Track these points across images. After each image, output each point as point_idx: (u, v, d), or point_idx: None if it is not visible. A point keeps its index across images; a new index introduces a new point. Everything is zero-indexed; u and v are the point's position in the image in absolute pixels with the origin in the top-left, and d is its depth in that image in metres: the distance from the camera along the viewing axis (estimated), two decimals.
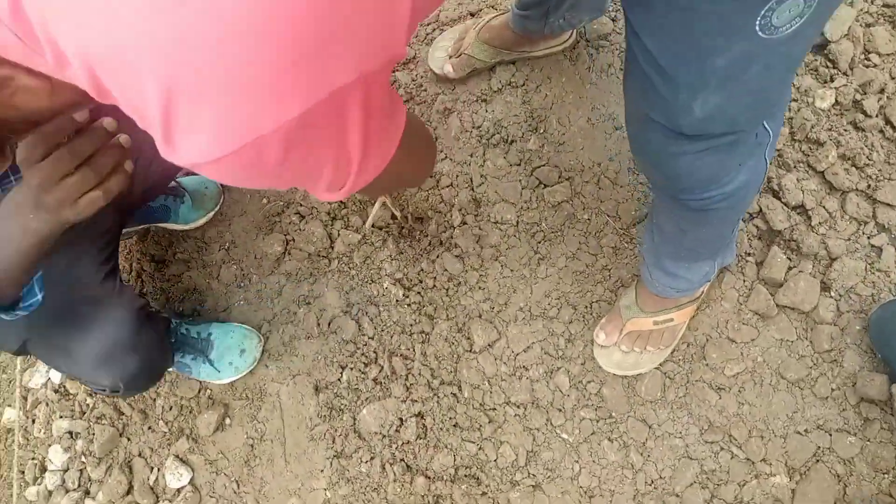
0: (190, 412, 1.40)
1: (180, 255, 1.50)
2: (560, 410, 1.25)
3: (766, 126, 0.72)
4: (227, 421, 1.40)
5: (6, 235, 0.68)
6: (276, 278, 1.46)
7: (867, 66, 1.25)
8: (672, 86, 0.61)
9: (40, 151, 0.63)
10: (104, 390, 1.01)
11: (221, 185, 1.53)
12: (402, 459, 1.29)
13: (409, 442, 1.30)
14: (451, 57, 1.37)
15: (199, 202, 1.48)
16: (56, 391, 1.49)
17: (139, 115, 0.38)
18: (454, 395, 1.30)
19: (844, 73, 1.26)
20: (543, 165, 1.37)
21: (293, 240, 1.44)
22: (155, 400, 1.43)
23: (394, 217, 1.39)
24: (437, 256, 1.37)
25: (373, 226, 1.36)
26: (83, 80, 0.36)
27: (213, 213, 1.51)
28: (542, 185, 1.36)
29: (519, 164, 1.39)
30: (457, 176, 1.40)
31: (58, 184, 0.64)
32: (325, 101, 0.37)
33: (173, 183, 1.44)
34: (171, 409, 1.42)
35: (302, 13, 0.33)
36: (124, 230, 1.29)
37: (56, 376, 1.51)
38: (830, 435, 1.14)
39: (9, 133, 0.49)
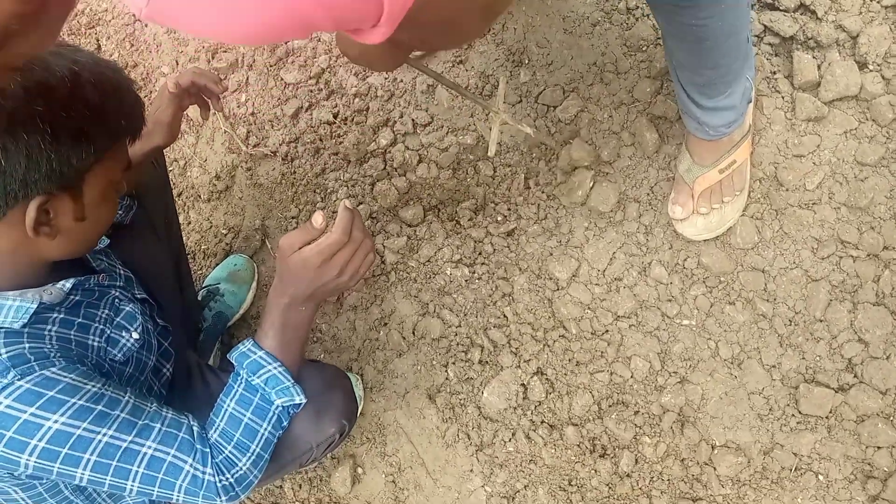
0: (321, 481, 1.48)
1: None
2: (670, 301, 1.32)
3: None
4: (360, 471, 1.48)
5: (298, 335, 1.03)
6: (345, 317, 1.56)
7: None
8: None
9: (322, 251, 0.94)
10: (333, 440, 1.13)
11: (249, 258, 1.64)
12: (543, 421, 1.36)
13: (540, 402, 1.37)
14: None
15: (235, 280, 1.62)
16: None
17: None
18: (562, 336, 1.38)
19: None
20: (544, 90, 1.48)
21: None
22: (281, 486, 1.50)
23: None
24: (485, 218, 1.46)
25: (497, 150, 1.34)
26: None
27: (254, 284, 1.62)
28: (552, 108, 1.47)
29: (520, 101, 1.50)
30: (472, 140, 1.50)
31: (348, 264, 0.96)
32: None
33: (203, 292, 1.60)
34: (300, 487, 1.49)
35: None
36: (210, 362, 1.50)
37: None
38: None
39: None
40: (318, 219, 0.94)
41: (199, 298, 1.59)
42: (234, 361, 1.03)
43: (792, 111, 1.32)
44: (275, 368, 1.01)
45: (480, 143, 1.53)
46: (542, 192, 1.46)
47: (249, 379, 1.01)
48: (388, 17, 0.49)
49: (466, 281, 1.49)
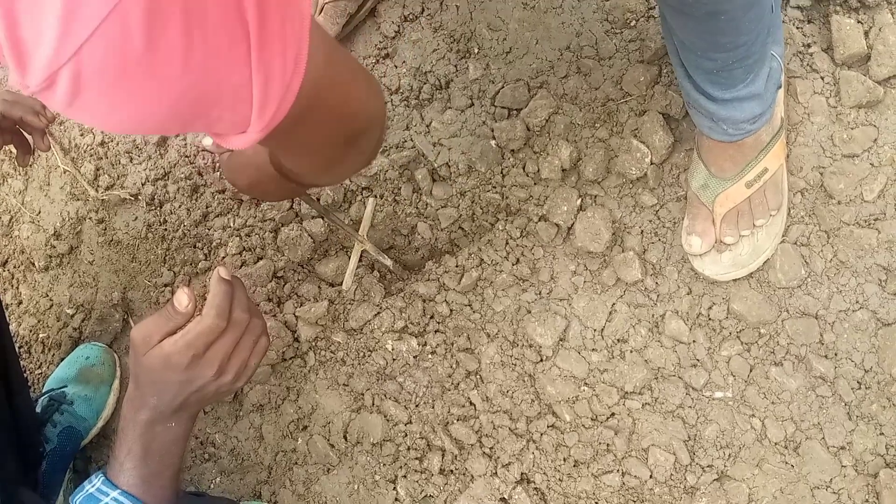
0: None
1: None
2: (695, 366, 1.35)
3: None
4: None
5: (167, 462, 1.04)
6: (247, 421, 1.56)
7: None
8: None
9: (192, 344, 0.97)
10: None
11: (107, 347, 1.63)
12: None
13: None
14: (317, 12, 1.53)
15: (89, 380, 1.61)
16: None
17: None
18: (552, 426, 1.40)
19: None
20: (502, 88, 1.51)
21: None
22: None
23: (379, 271, 1.56)
24: (438, 266, 1.47)
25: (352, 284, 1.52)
26: None
27: (116, 383, 1.62)
28: (514, 112, 1.50)
29: (472, 105, 1.54)
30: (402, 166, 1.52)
31: (231, 358, 1.00)
32: None
33: (44, 400, 1.58)
34: None
35: None
36: None
37: None
38: None
39: None
40: (181, 299, 0.95)
41: (39, 410, 1.57)
42: None
43: (836, 96, 1.36)
44: None
45: (422, 162, 1.55)
46: (513, 226, 1.48)
47: None
48: (262, 108, 0.61)
49: (416, 357, 1.49)
